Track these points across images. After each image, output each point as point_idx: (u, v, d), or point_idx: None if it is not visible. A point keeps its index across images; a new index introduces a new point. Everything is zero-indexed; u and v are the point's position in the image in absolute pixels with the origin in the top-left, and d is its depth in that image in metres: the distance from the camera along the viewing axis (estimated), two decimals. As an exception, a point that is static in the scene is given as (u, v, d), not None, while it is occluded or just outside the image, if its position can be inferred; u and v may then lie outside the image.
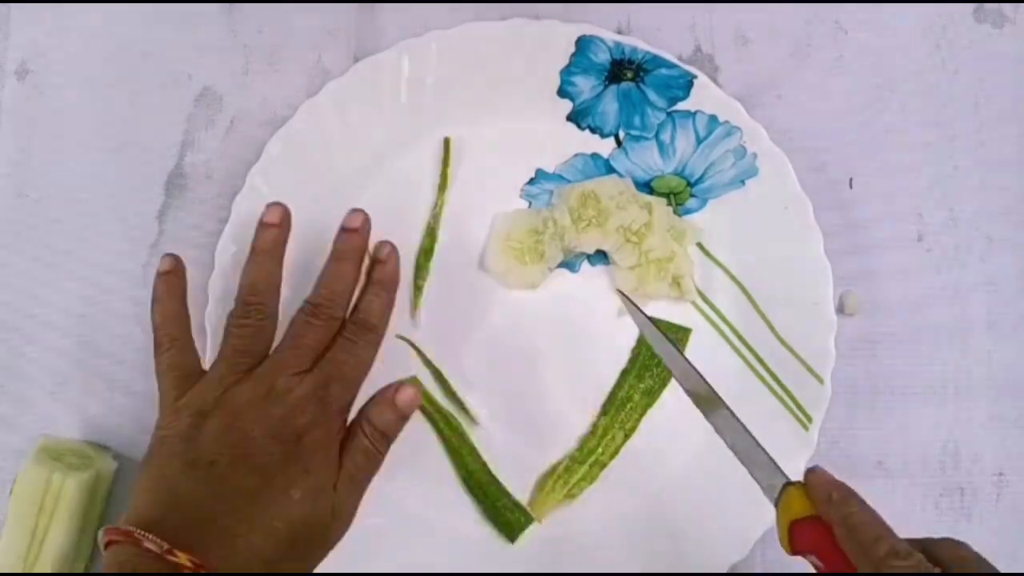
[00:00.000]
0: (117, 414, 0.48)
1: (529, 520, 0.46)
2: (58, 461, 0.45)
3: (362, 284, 0.45)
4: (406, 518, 0.46)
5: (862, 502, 0.34)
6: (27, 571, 0.43)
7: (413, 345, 0.47)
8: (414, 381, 0.46)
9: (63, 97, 0.51)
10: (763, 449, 0.38)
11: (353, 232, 0.45)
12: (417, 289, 0.48)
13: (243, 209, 0.47)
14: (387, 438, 0.41)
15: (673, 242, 0.47)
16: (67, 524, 0.43)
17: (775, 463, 0.37)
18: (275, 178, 0.47)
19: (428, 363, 0.47)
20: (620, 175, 0.49)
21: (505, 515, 0.46)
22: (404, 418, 0.42)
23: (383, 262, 0.45)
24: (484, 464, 0.47)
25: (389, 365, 0.45)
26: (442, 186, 0.49)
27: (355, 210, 0.45)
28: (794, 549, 0.35)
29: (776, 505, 0.36)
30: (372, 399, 0.42)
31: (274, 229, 0.44)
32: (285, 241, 0.44)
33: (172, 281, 0.43)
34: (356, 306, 0.44)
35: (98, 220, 0.50)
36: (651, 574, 0.45)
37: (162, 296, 0.43)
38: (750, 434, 0.38)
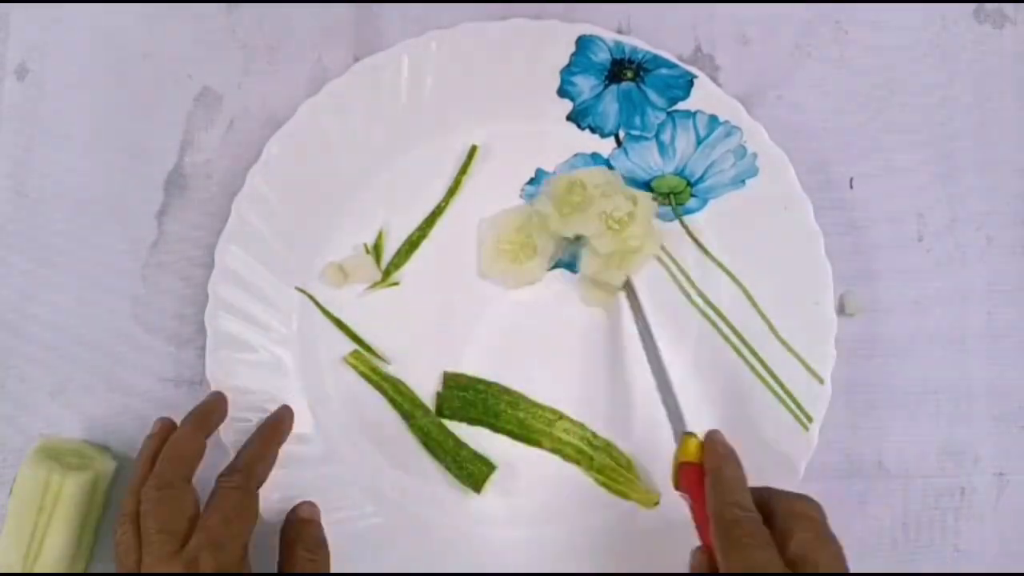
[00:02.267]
0: (117, 414, 0.48)
1: (491, 468, 0.46)
2: (57, 461, 0.45)
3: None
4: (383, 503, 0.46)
5: (738, 465, 0.40)
6: (27, 571, 0.43)
7: (313, 299, 0.48)
8: (285, 409, 0.46)
9: (63, 97, 0.51)
10: (676, 398, 0.44)
11: (207, 404, 0.45)
12: (386, 274, 0.48)
13: (243, 209, 0.47)
14: (322, 544, 0.43)
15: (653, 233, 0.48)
16: (67, 524, 0.43)
17: (682, 413, 0.43)
18: (275, 178, 0.47)
19: (337, 321, 0.48)
20: (620, 175, 0.49)
21: (467, 467, 0.46)
22: (318, 522, 0.44)
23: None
24: (439, 422, 0.47)
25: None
26: (453, 190, 0.49)
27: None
28: (676, 485, 0.41)
29: (677, 447, 0.42)
30: (287, 527, 0.43)
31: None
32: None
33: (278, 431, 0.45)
34: (236, 456, 0.43)
35: (98, 220, 0.50)
36: (651, 574, 0.45)
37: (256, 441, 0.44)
38: (671, 386, 0.44)
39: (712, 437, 0.41)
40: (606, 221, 0.46)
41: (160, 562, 0.38)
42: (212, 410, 0.44)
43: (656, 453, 0.46)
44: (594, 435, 0.47)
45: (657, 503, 0.46)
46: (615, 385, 0.48)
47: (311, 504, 0.45)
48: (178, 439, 0.42)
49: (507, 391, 0.47)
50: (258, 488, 0.42)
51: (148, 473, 0.41)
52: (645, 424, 0.47)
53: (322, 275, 0.48)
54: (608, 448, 0.47)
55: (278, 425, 0.45)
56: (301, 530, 0.44)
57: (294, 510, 0.45)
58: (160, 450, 0.42)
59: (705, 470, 0.40)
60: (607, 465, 0.47)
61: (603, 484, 0.47)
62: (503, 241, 0.48)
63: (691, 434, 0.42)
